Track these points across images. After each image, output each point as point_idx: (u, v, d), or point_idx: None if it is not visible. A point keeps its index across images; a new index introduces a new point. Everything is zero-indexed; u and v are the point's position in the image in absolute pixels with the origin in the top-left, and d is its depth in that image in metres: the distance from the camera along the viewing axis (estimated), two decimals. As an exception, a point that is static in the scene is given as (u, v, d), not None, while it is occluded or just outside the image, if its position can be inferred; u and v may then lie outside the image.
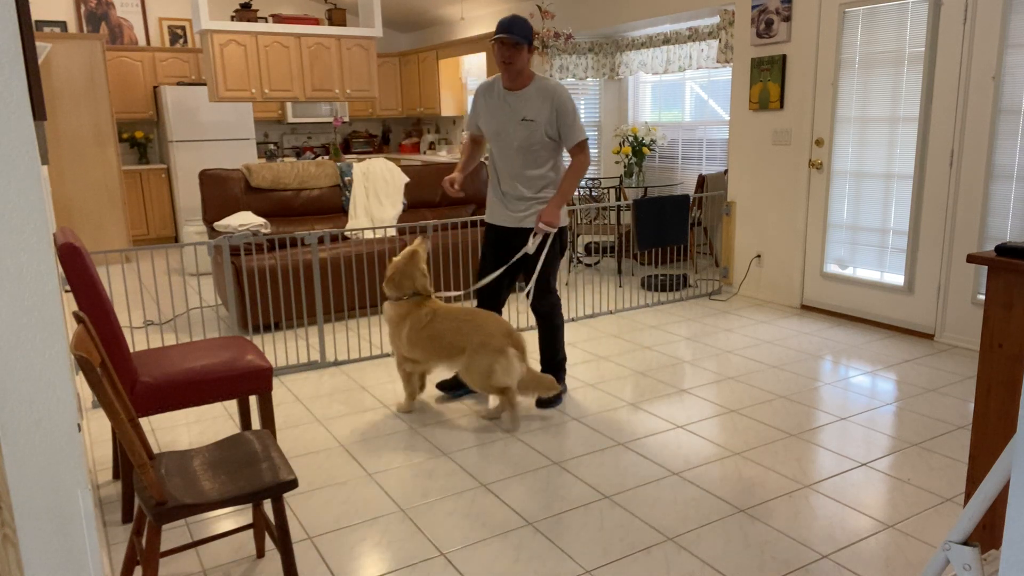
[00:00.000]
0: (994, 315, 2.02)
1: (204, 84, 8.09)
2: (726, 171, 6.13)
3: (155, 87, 8.04)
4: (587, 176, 7.42)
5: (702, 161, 6.82)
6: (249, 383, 2.74)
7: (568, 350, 4.44)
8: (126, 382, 2.52)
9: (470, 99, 9.15)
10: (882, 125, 4.62)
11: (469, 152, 3.70)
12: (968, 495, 2.19)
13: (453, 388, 3.77)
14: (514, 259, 3.53)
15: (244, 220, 4.99)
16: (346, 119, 9.35)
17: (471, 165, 3.69)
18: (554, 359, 3.68)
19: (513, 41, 3.27)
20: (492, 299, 3.66)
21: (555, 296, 3.59)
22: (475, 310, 3.40)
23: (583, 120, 7.69)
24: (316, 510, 2.67)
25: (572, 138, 3.40)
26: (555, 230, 3.42)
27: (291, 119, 8.96)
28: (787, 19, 5.03)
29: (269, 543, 2.47)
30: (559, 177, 3.51)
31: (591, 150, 7.72)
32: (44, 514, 1.39)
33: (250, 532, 2.54)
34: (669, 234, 5.52)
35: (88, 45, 6.82)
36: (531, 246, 3.42)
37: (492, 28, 8.22)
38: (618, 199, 6.93)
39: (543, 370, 3.71)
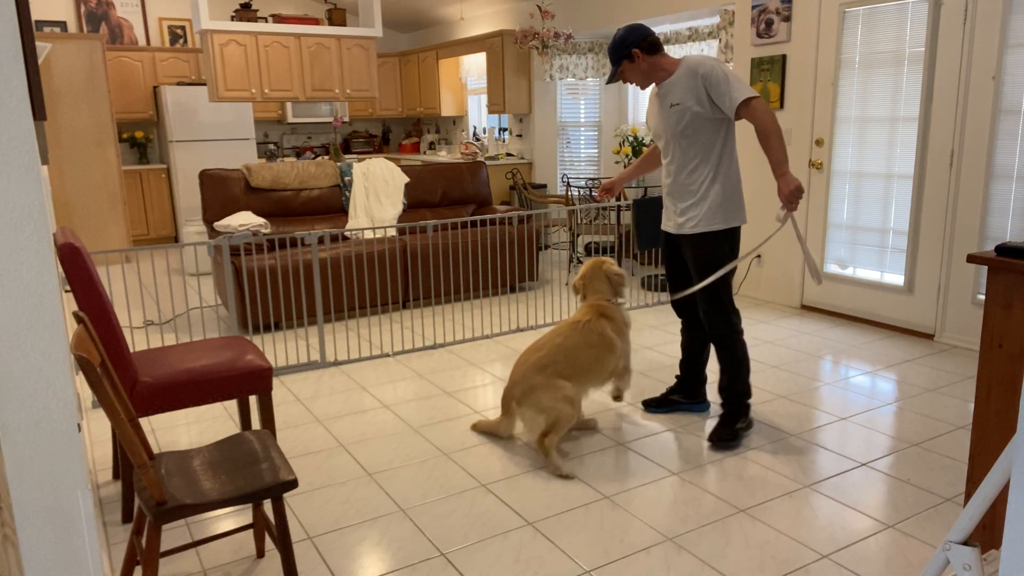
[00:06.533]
0: (994, 315, 2.02)
1: (204, 84, 8.09)
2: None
3: (155, 87, 8.04)
4: (587, 176, 7.40)
5: (702, 161, 6.81)
6: (249, 383, 2.74)
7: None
8: (126, 382, 2.52)
9: (470, 99, 9.16)
10: (882, 125, 4.62)
11: (645, 157, 3.47)
12: (968, 495, 2.19)
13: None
14: (762, 242, 3.27)
15: (244, 220, 5.00)
16: (346, 119, 9.34)
17: (638, 171, 3.47)
18: (727, 388, 3.21)
19: (614, 75, 3.09)
20: (686, 312, 3.38)
21: (729, 316, 3.13)
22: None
23: (585, 119, 7.65)
24: (316, 510, 2.67)
25: (731, 100, 2.92)
26: (794, 207, 2.85)
27: (291, 119, 8.96)
28: (787, 19, 5.03)
29: (269, 543, 2.47)
30: (729, 171, 3.07)
31: (590, 149, 7.68)
32: (44, 514, 1.39)
33: (250, 532, 2.54)
34: (669, 234, 5.50)
35: (88, 45, 6.82)
36: (780, 226, 3.01)
37: (492, 28, 8.21)
38: (618, 199, 6.92)
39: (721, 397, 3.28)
